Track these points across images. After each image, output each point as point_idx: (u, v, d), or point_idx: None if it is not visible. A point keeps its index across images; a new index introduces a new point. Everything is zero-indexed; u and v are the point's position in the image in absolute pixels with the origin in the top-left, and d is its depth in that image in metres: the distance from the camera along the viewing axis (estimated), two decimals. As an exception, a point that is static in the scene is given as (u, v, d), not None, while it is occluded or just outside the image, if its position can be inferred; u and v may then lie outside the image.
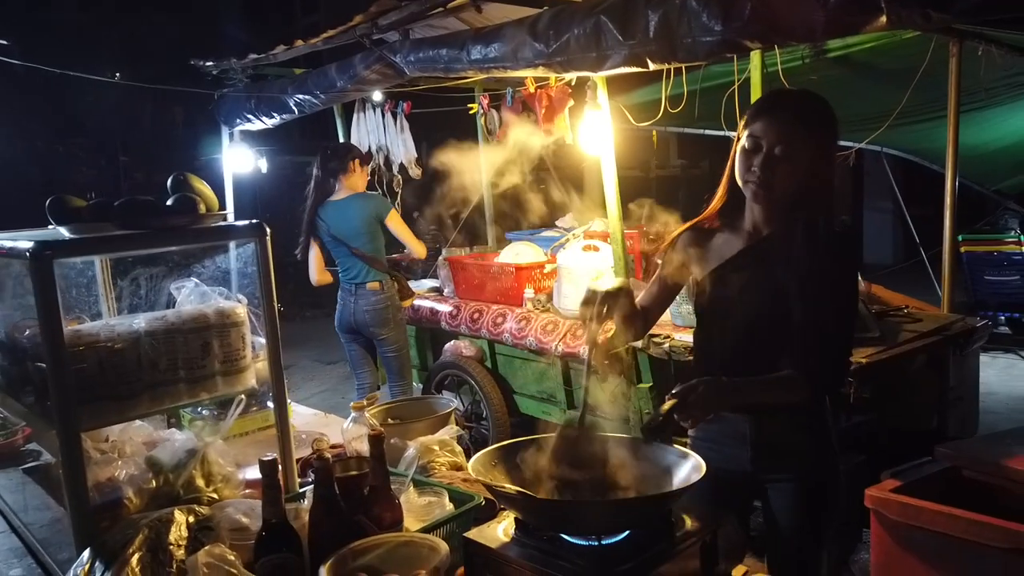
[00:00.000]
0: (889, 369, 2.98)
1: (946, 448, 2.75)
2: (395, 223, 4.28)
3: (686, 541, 1.50)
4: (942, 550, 2.35)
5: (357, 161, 4.28)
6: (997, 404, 5.21)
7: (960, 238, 6.96)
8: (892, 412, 3.17)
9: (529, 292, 4.28)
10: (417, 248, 4.37)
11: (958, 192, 3.81)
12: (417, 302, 4.71)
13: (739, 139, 1.77)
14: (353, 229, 4.19)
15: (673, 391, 1.62)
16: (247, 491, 1.87)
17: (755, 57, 3.50)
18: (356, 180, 4.28)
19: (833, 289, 1.73)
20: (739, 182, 1.78)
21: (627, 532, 1.48)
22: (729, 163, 1.81)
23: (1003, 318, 6.98)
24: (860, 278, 3.95)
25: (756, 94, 3.59)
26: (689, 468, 1.56)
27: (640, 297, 2.03)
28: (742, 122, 1.77)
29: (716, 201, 1.89)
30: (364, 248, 4.18)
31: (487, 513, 1.77)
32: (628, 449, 1.64)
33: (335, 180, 4.26)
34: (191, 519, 1.59)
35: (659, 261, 2.13)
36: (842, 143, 5.83)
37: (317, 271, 4.40)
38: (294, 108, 4.59)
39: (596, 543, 1.46)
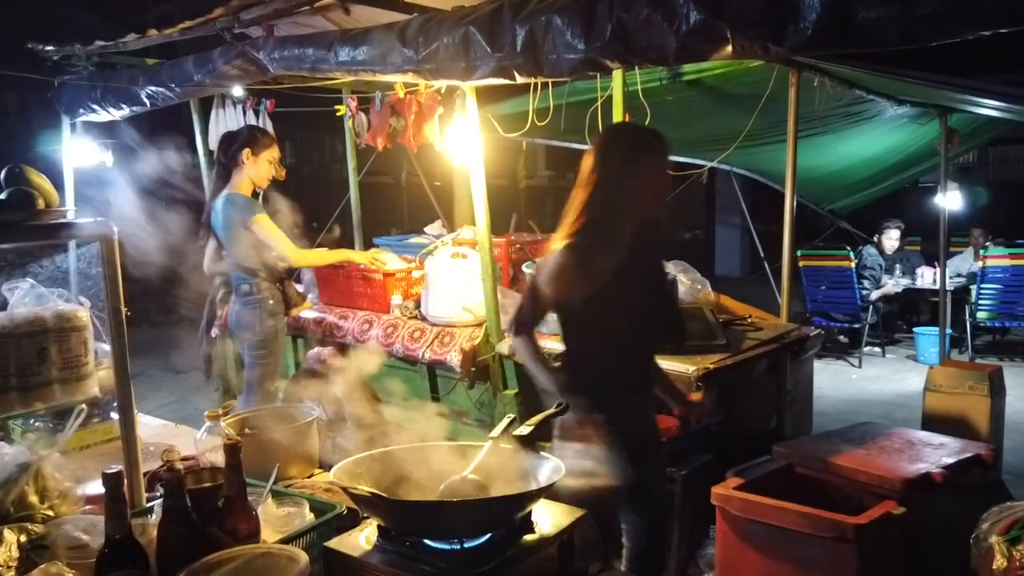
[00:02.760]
0: (734, 374, 3.20)
1: (782, 447, 2.98)
2: (261, 228, 3.79)
3: (544, 540, 1.55)
4: (777, 541, 2.55)
5: (248, 151, 3.79)
6: (828, 406, 5.69)
7: (798, 253, 7.57)
8: (737, 414, 3.39)
9: (397, 299, 4.25)
10: (287, 252, 3.88)
11: (798, 211, 4.14)
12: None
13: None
14: (222, 231, 3.87)
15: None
16: (88, 507, 1.75)
17: (617, 76, 3.65)
18: (248, 172, 3.82)
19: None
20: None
21: (489, 535, 1.51)
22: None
23: (836, 328, 7.64)
24: (709, 289, 4.24)
25: (617, 111, 3.75)
26: (549, 470, 1.62)
27: (526, 314, 2.26)
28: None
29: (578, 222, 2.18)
30: (231, 251, 3.87)
31: (350, 523, 1.74)
32: (494, 456, 1.68)
33: (228, 172, 3.85)
34: (22, 538, 1.47)
35: (529, 274, 2.39)
36: (694, 161, 6.21)
37: (206, 261, 4.07)
38: (146, 100, 4.32)
39: (459, 547, 1.48)
